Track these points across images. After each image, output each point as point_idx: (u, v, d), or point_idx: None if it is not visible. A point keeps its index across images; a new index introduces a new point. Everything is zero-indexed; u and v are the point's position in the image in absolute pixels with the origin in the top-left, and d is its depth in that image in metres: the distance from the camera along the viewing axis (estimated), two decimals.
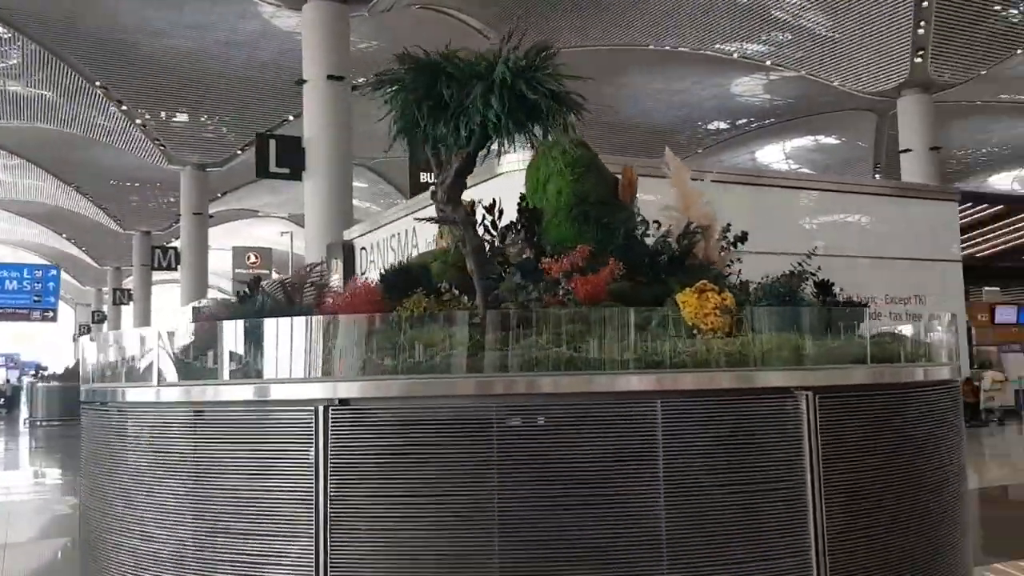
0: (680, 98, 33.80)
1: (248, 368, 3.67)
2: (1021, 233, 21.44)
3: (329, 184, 23.80)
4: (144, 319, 41.20)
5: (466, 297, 4.02)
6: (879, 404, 3.65)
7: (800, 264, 4.76)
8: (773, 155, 37.27)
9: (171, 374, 3.89)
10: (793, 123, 34.89)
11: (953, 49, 26.85)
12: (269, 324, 3.66)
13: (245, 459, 3.54)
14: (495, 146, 3.97)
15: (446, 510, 3.30)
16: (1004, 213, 20.05)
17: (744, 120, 35.32)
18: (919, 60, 26.89)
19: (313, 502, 3.41)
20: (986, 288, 32.76)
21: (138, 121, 30.81)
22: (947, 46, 26.64)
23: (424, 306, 3.97)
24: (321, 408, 3.43)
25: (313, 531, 3.39)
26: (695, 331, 3.66)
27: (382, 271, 5.01)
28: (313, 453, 3.42)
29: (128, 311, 47.38)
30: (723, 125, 35.82)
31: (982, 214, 19.58)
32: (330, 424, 3.41)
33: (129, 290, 46.96)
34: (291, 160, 24.12)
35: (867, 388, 3.65)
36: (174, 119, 31.27)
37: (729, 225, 5.42)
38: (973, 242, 20.45)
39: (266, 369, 3.62)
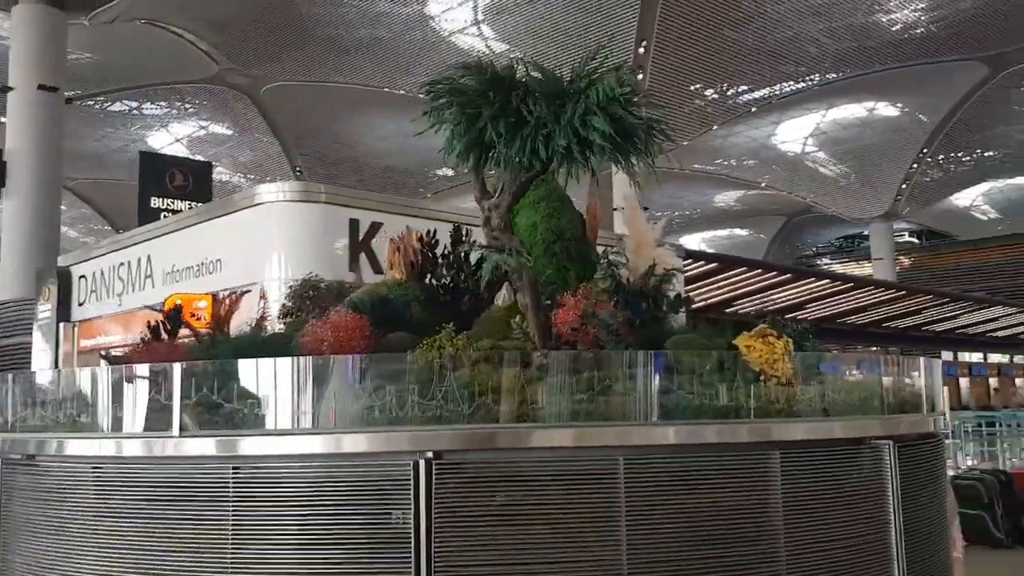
0: (413, 142, 34.14)
1: (304, 414, 3.04)
2: (725, 289, 23.86)
3: (34, 203, 21.16)
4: None
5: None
6: (931, 452, 3.82)
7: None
8: None
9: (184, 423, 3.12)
10: None
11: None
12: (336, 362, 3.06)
13: (314, 522, 2.91)
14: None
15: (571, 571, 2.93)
16: (716, 270, 22.23)
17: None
18: None
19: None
20: None
21: None
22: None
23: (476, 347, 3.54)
24: (422, 462, 2.91)
25: None
26: (761, 377, 3.59)
27: (354, 301, 4.44)
28: (412, 514, 2.89)
29: None
30: (450, 172, 36.69)
31: (698, 270, 21.61)
32: (433, 479, 2.90)
33: None
34: None
35: (926, 437, 3.81)
36: None
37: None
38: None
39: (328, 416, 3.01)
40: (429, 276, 4.86)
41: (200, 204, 20.23)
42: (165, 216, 19.88)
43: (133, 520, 3.10)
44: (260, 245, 12.32)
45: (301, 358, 3.23)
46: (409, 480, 2.93)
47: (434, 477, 2.93)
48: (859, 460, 3.46)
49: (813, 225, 43.12)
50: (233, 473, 3.03)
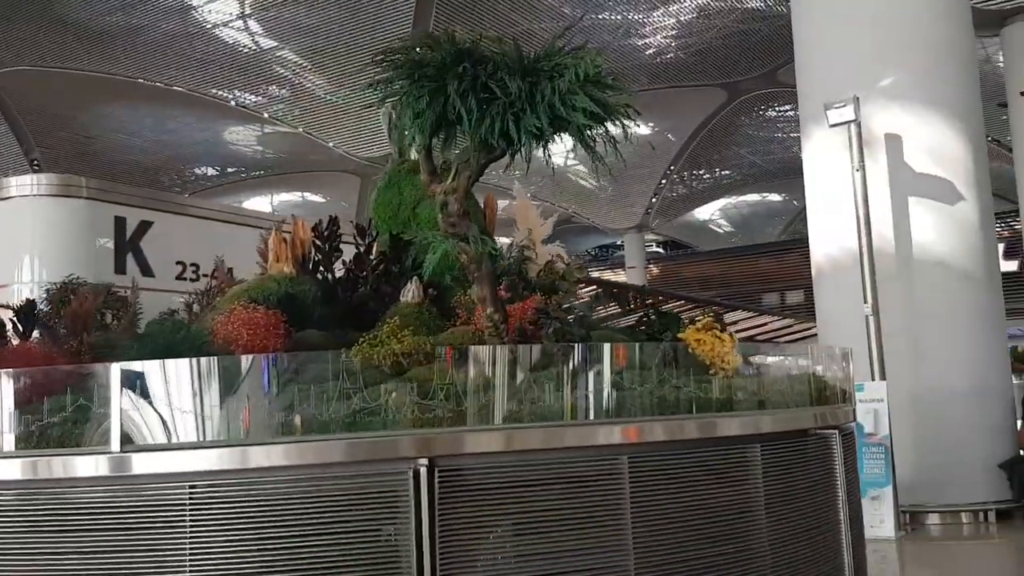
0: (169, 138, 32.06)
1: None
2: None
3: None
4: None
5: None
6: (853, 440, 3.98)
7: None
8: (261, 206, 37.06)
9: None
10: (283, 177, 35.25)
11: None
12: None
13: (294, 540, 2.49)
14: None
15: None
16: None
17: (234, 168, 34.70)
18: None
19: None
20: None
21: None
22: None
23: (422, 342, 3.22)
24: (423, 469, 2.57)
25: None
26: (711, 370, 3.56)
27: (253, 297, 3.94)
28: (412, 525, 2.54)
29: None
30: (211, 171, 34.76)
31: None
32: (436, 489, 2.57)
33: None
34: None
35: (847, 426, 3.96)
36: None
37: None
38: None
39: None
40: (322, 270, 4.45)
41: None
42: None
43: (69, 552, 2.50)
44: (9, 243, 10.94)
45: (279, 356, 2.78)
46: (407, 491, 2.58)
47: (437, 487, 2.60)
48: (818, 449, 3.53)
49: (574, 234, 45.04)
50: (190, 493, 2.53)
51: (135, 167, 32.05)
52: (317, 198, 37.44)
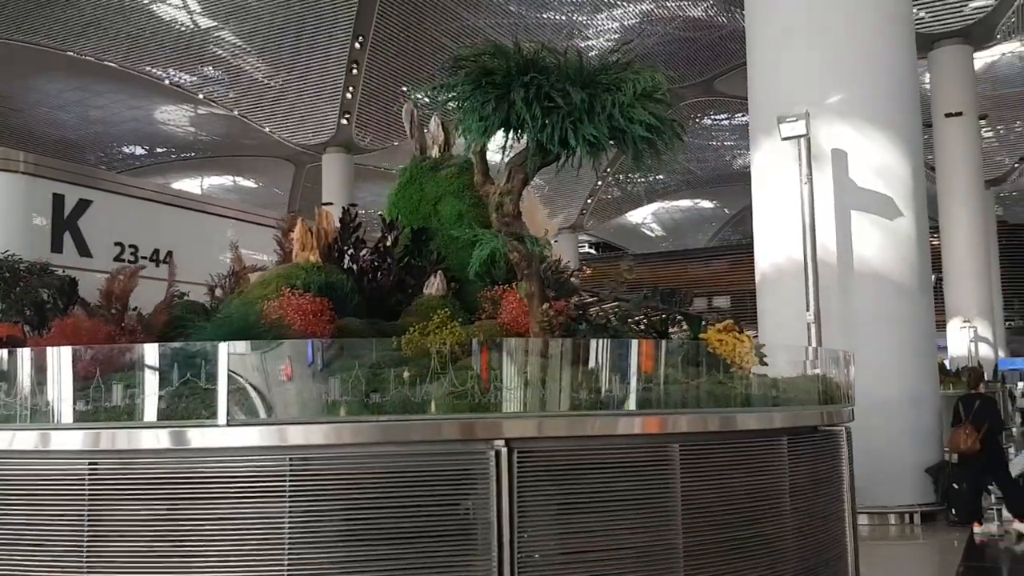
0: (97, 114, 31.15)
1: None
2: None
3: None
4: None
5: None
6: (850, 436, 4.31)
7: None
8: (190, 188, 36.38)
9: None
10: (214, 160, 34.63)
11: (374, 119, 29.63)
12: None
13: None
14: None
15: (629, 560, 2.95)
16: None
17: (164, 149, 33.96)
18: (345, 122, 29.08)
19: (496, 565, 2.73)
20: None
21: None
22: (369, 115, 29.31)
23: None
24: (503, 450, 2.77)
25: None
26: (731, 368, 3.82)
27: (296, 285, 4.05)
28: (493, 500, 2.74)
29: None
30: (140, 150, 33.94)
31: None
32: (515, 468, 2.77)
33: None
34: None
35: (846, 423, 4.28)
36: None
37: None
38: None
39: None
40: (348, 260, 4.57)
41: None
42: None
43: (160, 525, 2.62)
44: None
45: (377, 340, 2.93)
46: (487, 470, 2.78)
47: (516, 467, 2.80)
48: (830, 443, 3.84)
49: None
50: (290, 465, 2.67)
51: (61, 143, 31.10)
52: (249, 183, 36.93)
